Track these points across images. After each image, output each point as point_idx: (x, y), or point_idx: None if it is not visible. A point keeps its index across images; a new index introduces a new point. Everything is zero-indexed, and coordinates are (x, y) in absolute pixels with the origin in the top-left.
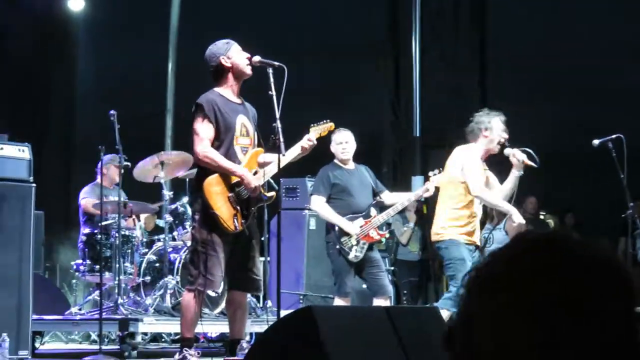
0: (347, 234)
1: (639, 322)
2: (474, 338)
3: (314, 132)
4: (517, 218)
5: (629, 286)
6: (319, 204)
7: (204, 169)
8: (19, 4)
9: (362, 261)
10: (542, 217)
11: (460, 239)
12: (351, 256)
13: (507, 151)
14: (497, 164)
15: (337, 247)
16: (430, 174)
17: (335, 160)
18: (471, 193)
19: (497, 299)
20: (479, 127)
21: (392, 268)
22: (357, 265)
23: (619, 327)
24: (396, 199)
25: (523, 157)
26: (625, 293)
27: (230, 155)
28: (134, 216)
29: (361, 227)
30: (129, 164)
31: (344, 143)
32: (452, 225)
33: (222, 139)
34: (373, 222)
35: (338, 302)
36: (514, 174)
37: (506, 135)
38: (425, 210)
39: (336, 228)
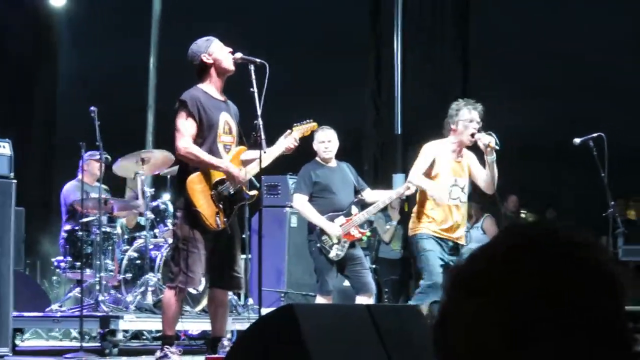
0: (326, 234)
1: (622, 313)
2: (449, 339)
3: (297, 132)
4: (438, 195)
5: (610, 276)
6: (300, 203)
7: (186, 166)
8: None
9: (344, 259)
10: (522, 215)
11: (431, 233)
12: (332, 255)
13: (477, 136)
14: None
15: (318, 245)
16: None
17: (317, 158)
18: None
19: (475, 298)
20: (448, 120)
21: (374, 266)
22: (340, 263)
23: (602, 318)
24: (377, 197)
25: (489, 140)
26: (607, 284)
27: (213, 152)
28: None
29: (342, 225)
30: (109, 157)
31: (327, 142)
32: (424, 220)
33: (205, 136)
34: (354, 220)
35: (320, 300)
36: (487, 160)
37: (476, 126)
38: (406, 208)
39: (317, 228)
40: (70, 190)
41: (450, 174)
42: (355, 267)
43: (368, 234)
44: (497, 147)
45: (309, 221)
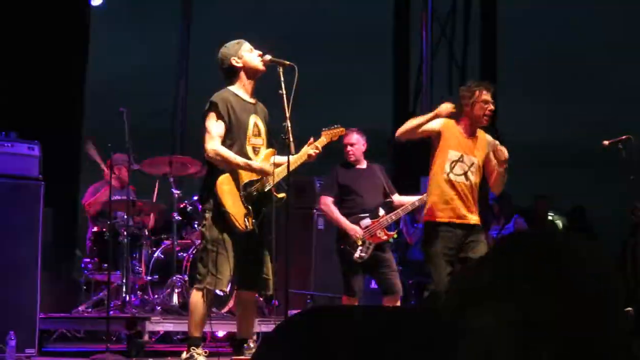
0: (349, 236)
1: (620, 326)
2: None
3: (325, 136)
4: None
5: (608, 291)
6: (325, 204)
7: (214, 168)
8: None
9: (373, 260)
10: (550, 217)
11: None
12: (355, 256)
13: (501, 148)
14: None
15: (342, 246)
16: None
17: (346, 160)
18: None
19: (485, 314)
20: (461, 101)
21: (400, 267)
22: (367, 265)
23: (599, 334)
24: (406, 201)
25: (507, 155)
26: (612, 290)
27: (242, 154)
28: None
29: (368, 227)
30: (139, 167)
31: (349, 146)
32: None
33: (235, 138)
34: (381, 222)
35: (346, 301)
36: (500, 170)
37: (492, 107)
38: None
39: (341, 231)
40: (94, 193)
41: (458, 147)
42: (382, 269)
43: (395, 236)
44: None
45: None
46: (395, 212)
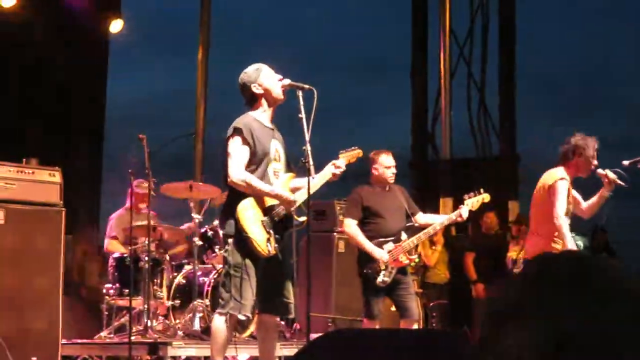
0: (374, 260)
1: None
2: None
3: (344, 158)
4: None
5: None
6: (350, 227)
7: (236, 193)
8: (58, 22)
9: (392, 282)
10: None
11: None
12: (379, 280)
13: (600, 172)
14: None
15: (366, 270)
16: (466, 197)
17: (370, 182)
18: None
19: (518, 331)
20: (573, 150)
21: (420, 290)
22: (387, 287)
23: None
24: (429, 221)
25: (614, 177)
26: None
27: (263, 179)
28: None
29: (390, 251)
30: (154, 193)
31: (392, 167)
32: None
33: (258, 163)
34: (403, 247)
35: (367, 324)
36: (604, 194)
37: (596, 162)
38: (454, 232)
39: (364, 253)
40: (115, 221)
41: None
42: (400, 291)
43: (417, 260)
44: (626, 185)
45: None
46: (417, 236)
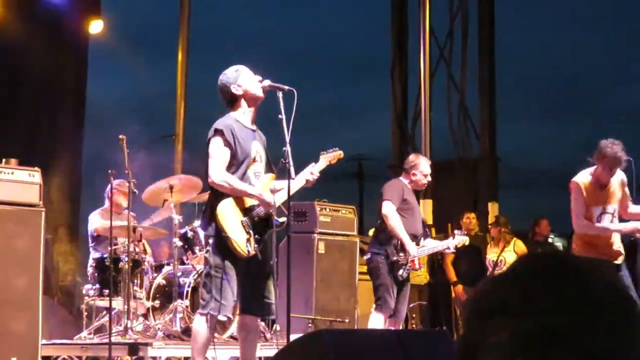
0: (404, 252)
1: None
2: None
3: (324, 160)
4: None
5: (622, 310)
6: (392, 212)
7: (216, 193)
8: (37, 23)
9: (403, 282)
10: (550, 239)
11: None
12: (401, 273)
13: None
14: None
15: (395, 258)
16: (457, 232)
17: (402, 179)
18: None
19: (503, 328)
20: (600, 152)
21: None
22: (398, 285)
23: (610, 350)
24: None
25: None
26: (617, 318)
27: (244, 180)
28: (144, 241)
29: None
30: (136, 191)
31: (429, 175)
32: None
33: (238, 164)
34: (421, 251)
35: (378, 317)
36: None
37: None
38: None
39: (394, 242)
40: (95, 219)
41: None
42: (398, 292)
43: (422, 268)
44: None
45: (378, 235)
46: (427, 248)
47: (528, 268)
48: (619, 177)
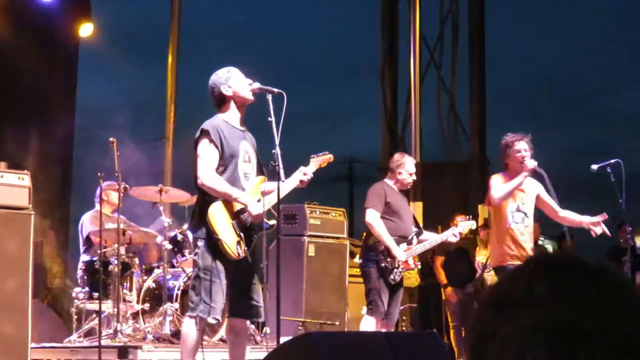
0: (392, 257)
1: None
2: (491, 358)
3: (314, 163)
4: None
5: (634, 305)
6: (375, 219)
7: (206, 195)
8: (28, 26)
9: (395, 286)
10: (540, 242)
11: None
12: (392, 277)
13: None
14: None
15: (383, 264)
16: (459, 219)
17: (387, 180)
18: None
19: (519, 318)
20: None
21: None
22: (391, 289)
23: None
24: (424, 237)
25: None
26: (629, 311)
27: (233, 181)
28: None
29: (405, 252)
30: (127, 186)
31: (414, 174)
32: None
33: (227, 165)
34: (414, 250)
35: (370, 321)
36: (584, 225)
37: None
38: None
39: (382, 248)
40: (87, 221)
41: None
42: (391, 294)
43: (420, 266)
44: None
45: (367, 240)
46: (423, 243)
47: (546, 262)
48: (535, 184)
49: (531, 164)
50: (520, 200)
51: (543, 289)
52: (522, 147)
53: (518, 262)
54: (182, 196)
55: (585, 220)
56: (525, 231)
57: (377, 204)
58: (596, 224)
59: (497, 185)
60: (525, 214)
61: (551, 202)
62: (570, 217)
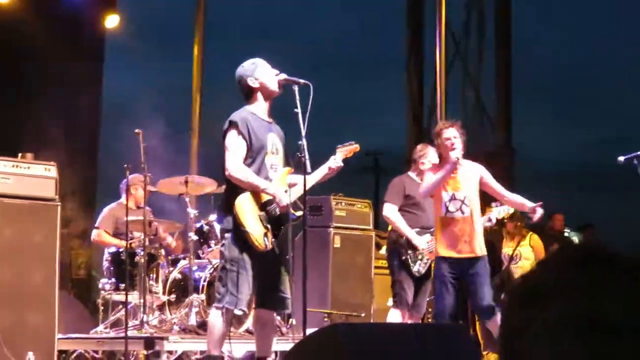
0: (413, 248)
1: None
2: (524, 351)
3: (340, 153)
4: None
5: None
6: (392, 213)
7: (234, 186)
8: (54, 18)
9: (422, 277)
10: (566, 233)
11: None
12: (415, 269)
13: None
14: None
15: (404, 257)
16: (494, 204)
17: (410, 173)
18: None
19: (551, 310)
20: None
21: None
22: (417, 280)
23: None
24: None
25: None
26: None
27: (261, 172)
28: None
29: (428, 242)
30: (154, 189)
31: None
32: None
33: (254, 157)
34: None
35: (395, 313)
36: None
37: (453, 142)
38: None
39: (403, 240)
40: (110, 212)
41: (446, 189)
42: (419, 286)
43: None
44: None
45: (391, 233)
46: None
47: (577, 254)
48: (476, 168)
49: (454, 155)
50: (452, 189)
51: (580, 280)
52: (451, 134)
53: (454, 254)
54: (208, 183)
55: (528, 204)
56: (467, 219)
57: (394, 198)
58: (534, 210)
59: (426, 178)
60: (462, 201)
61: (495, 184)
62: (515, 199)
